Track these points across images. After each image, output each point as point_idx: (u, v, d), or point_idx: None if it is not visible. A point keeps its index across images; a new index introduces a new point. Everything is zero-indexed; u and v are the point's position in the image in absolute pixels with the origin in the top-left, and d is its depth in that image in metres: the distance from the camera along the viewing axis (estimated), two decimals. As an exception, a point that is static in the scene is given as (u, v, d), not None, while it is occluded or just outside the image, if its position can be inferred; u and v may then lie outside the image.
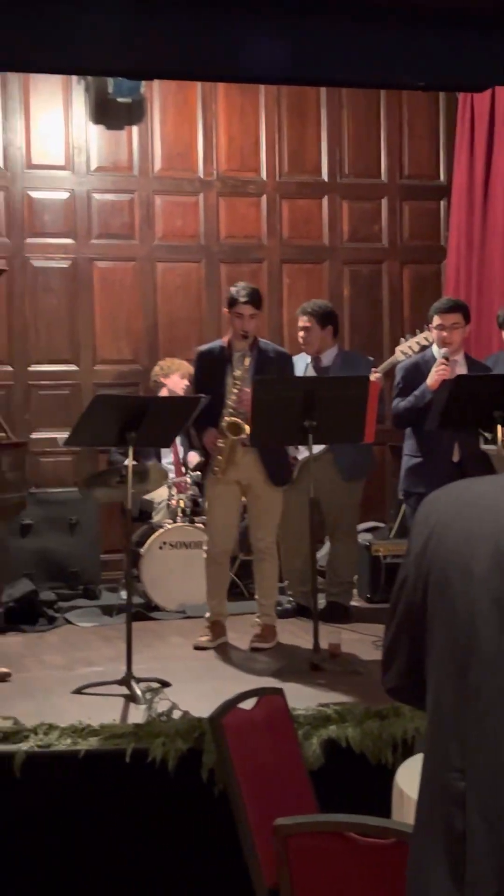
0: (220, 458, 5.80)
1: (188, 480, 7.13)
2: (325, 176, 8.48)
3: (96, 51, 5.14)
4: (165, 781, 4.16)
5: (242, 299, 5.82)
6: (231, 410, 5.69)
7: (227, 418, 5.71)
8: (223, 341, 6.01)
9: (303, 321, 6.49)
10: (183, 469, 7.24)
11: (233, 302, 5.87)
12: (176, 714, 4.43)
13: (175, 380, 7.32)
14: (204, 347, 6.16)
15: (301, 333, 6.50)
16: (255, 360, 5.85)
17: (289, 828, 2.45)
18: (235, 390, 5.69)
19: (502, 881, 1.79)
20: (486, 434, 5.63)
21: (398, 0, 5.27)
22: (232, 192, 8.33)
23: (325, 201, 8.49)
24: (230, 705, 3.36)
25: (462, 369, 5.85)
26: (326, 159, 8.47)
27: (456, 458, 5.80)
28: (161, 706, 4.51)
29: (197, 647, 5.88)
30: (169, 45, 5.21)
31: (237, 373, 5.73)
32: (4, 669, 5.29)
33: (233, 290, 5.93)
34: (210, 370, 5.95)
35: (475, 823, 1.84)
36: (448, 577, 1.93)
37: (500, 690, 1.83)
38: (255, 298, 5.86)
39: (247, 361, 5.79)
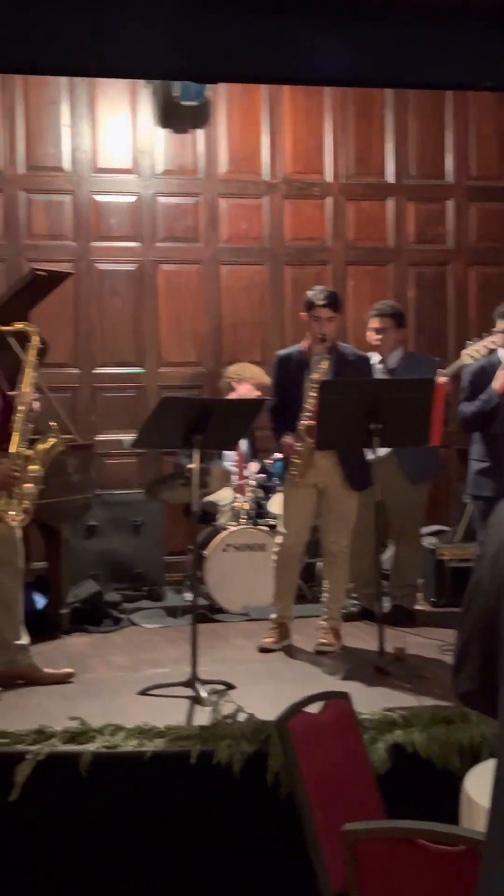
0: (297, 461, 5.79)
1: (251, 483, 7.15)
2: (390, 177, 8.46)
3: (163, 55, 5.17)
4: (231, 784, 4.17)
5: (320, 302, 5.80)
6: (308, 414, 5.66)
7: (304, 422, 5.69)
8: (302, 345, 5.99)
9: (379, 322, 6.47)
10: (245, 473, 7.25)
11: (310, 305, 5.85)
12: (241, 717, 4.44)
13: (247, 387, 7.34)
14: (283, 352, 6.15)
15: (377, 336, 6.48)
16: (334, 364, 5.83)
17: (358, 833, 2.45)
18: (312, 394, 5.66)
19: None
20: None
21: (464, 1, 5.24)
22: (297, 195, 8.34)
23: (390, 203, 8.47)
24: (297, 708, 3.36)
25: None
26: (392, 161, 8.45)
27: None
28: (226, 708, 4.52)
29: (262, 649, 5.88)
30: (235, 49, 5.22)
31: (315, 376, 5.71)
32: (68, 670, 5.33)
33: (310, 293, 5.91)
34: (288, 374, 5.94)
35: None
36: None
37: None
38: (332, 302, 5.84)
39: (324, 365, 5.77)
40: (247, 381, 7.41)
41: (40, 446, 5.13)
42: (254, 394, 7.21)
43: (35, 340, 5.22)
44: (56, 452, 5.22)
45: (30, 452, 5.09)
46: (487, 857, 1.97)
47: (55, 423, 5.36)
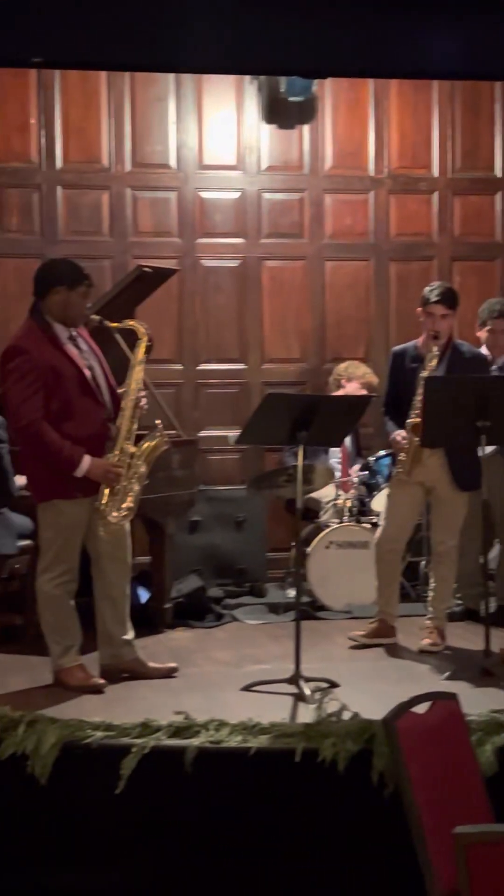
0: (404, 458, 5.76)
1: (354, 480, 7.12)
2: (498, 171, 8.36)
3: (270, 51, 5.17)
4: (335, 781, 4.15)
5: (434, 299, 5.76)
6: (416, 411, 5.62)
7: (412, 419, 5.66)
8: (417, 341, 5.96)
9: (496, 324, 6.38)
10: (349, 471, 7.24)
11: (425, 301, 5.81)
12: (346, 715, 4.42)
13: (355, 386, 7.34)
14: (398, 348, 6.12)
15: (492, 337, 6.39)
16: (448, 361, 5.79)
17: (470, 836, 2.43)
18: (421, 391, 5.61)
19: None
20: None
21: None
22: (403, 190, 8.28)
23: (498, 197, 8.37)
24: (404, 708, 3.35)
25: None
26: (500, 154, 8.34)
27: None
28: (330, 706, 4.50)
29: (351, 639, 5.90)
30: (342, 44, 5.21)
31: (425, 373, 5.67)
32: (172, 664, 5.36)
33: (426, 290, 5.88)
34: (402, 370, 5.91)
35: None
36: None
37: None
38: (447, 298, 5.79)
39: (434, 362, 5.73)
40: (356, 380, 7.39)
41: (146, 444, 5.17)
42: (361, 392, 7.18)
43: (144, 339, 5.26)
44: (160, 452, 5.25)
45: (135, 450, 5.13)
46: None
47: (160, 422, 5.39)
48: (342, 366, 7.58)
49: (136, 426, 5.17)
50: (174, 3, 4.86)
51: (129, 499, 5.10)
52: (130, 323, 5.39)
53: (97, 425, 5.10)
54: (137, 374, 5.20)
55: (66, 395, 5.03)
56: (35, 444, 5.02)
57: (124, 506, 5.09)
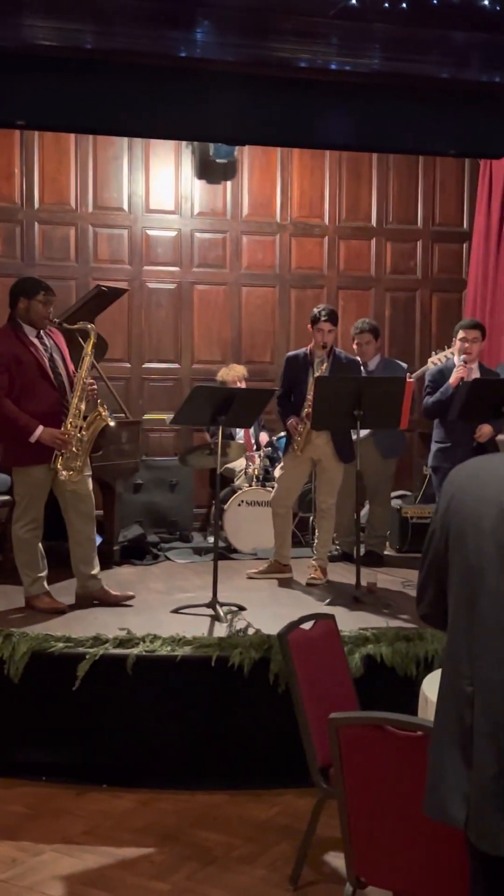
0: (299, 439, 5.78)
1: (261, 454, 7.13)
2: (373, 222, 8.39)
3: (203, 123, 5.15)
4: (241, 682, 4.18)
5: (323, 318, 5.76)
6: (309, 403, 5.63)
7: (307, 409, 5.67)
8: (307, 349, 5.93)
9: (362, 338, 6.42)
10: (254, 445, 7.24)
11: (315, 319, 5.80)
12: (250, 631, 4.45)
13: (241, 385, 7.27)
14: (291, 353, 6.09)
15: (359, 349, 6.42)
16: (331, 365, 5.81)
17: (340, 721, 2.45)
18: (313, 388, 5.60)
19: (501, 762, 1.81)
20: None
21: (436, 85, 5.20)
22: (301, 234, 8.27)
23: (373, 242, 8.41)
24: (294, 625, 3.38)
25: (477, 374, 5.77)
26: (375, 209, 8.38)
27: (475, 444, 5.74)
28: (239, 624, 4.53)
29: (249, 577, 5.90)
30: (257, 119, 5.19)
31: (317, 374, 5.68)
32: (130, 593, 5.28)
33: (315, 310, 5.85)
34: (295, 371, 5.89)
35: (481, 719, 1.86)
36: (464, 530, 1.95)
37: (501, 617, 1.84)
38: (333, 317, 5.79)
39: (324, 366, 5.75)
40: (236, 382, 7.27)
41: (90, 420, 5.07)
42: (241, 385, 7.14)
43: (92, 337, 5.17)
44: (101, 426, 5.13)
45: (82, 424, 5.04)
46: (434, 739, 2.00)
47: (106, 405, 5.29)
48: (223, 371, 7.47)
49: (84, 405, 5.03)
50: (134, 82, 4.81)
51: (78, 461, 5.02)
52: (81, 324, 5.28)
53: (52, 403, 4.98)
54: (86, 363, 5.09)
55: (26, 379, 4.93)
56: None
57: (74, 465, 4.99)
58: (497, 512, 1.89)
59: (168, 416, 6.94)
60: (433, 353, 6.15)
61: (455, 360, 5.83)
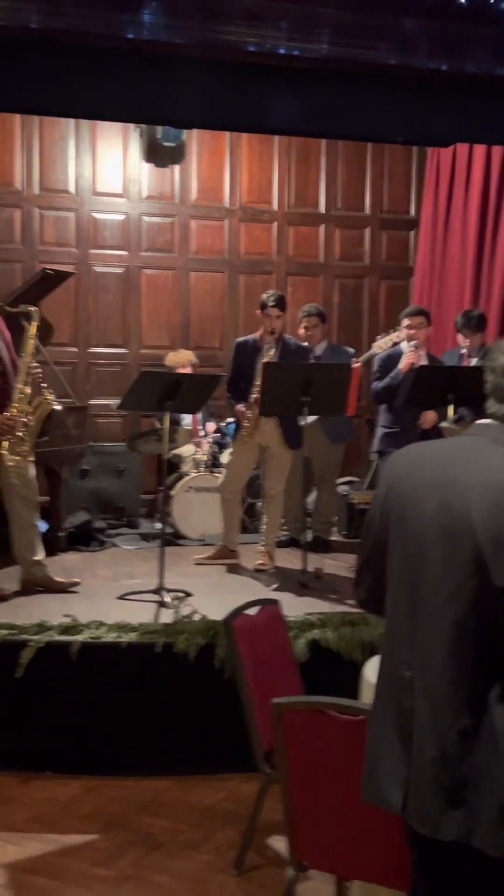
0: (248, 425, 5.77)
1: (209, 441, 7.12)
2: (322, 209, 8.40)
3: (151, 105, 5.09)
4: (187, 668, 4.18)
5: (272, 304, 5.74)
6: (258, 388, 5.62)
7: (255, 395, 5.66)
8: (256, 335, 5.91)
9: (310, 322, 6.42)
10: (202, 433, 7.22)
11: (263, 305, 5.78)
12: (196, 617, 4.44)
13: (187, 370, 7.25)
14: (240, 339, 6.07)
15: (306, 332, 6.43)
16: (280, 351, 5.80)
17: (283, 705, 2.46)
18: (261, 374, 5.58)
19: (439, 746, 1.81)
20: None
21: (384, 71, 5.20)
22: (250, 219, 8.26)
23: (321, 228, 8.42)
24: (239, 611, 3.37)
25: (424, 362, 5.81)
26: (324, 196, 8.39)
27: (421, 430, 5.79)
28: (185, 610, 4.52)
29: (196, 563, 5.89)
30: (205, 103, 5.16)
31: (266, 360, 5.67)
32: (75, 579, 5.25)
33: (264, 296, 5.83)
34: (244, 357, 5.87)
35: (420, 703, 1.86)
36: (405, 516, 1.94)
37: (443, 601, 1.84)
38: (281, 303, 5.77)
39: (272, 352, 5.73)
40: (183, 367, 7.26)
41: (35, 404, 5.01)
42: (189, 370, 7.13)
43: (35, 320, 5.11)
44: (47, 410, 5.07)
45: (28, 408, 4.98)
46: (372, 724, 2.00)
47: (50, 388, 5.24)
48: (171, 355, 7.44)
49: (29, 389, 4.98)
50: (81, 63, 4.74)
51: (25, 446, 4.95)
52: (23, 308, 5.21)
53: None
54: (29, 346, 5.02)
55: None
56: None
57: (20, 450, 4.93)
58: (438, 496, 1.88)
59: (115, 402, 6.89)
60: (378, 337, 6.18)
61: (404, 346, 5.87)
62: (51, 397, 5.06)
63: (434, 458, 1.95)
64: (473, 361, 5.98)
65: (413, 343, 5.78)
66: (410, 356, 5.70)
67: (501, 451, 1.89)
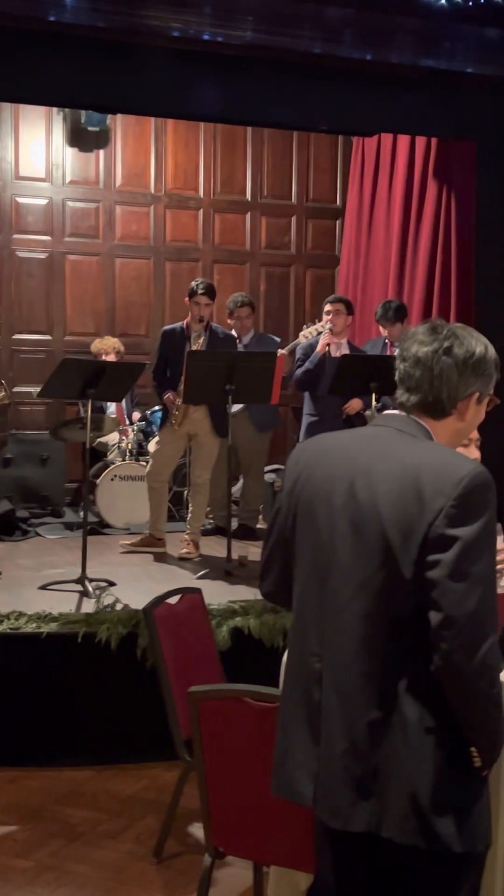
0: (176, 413, 5.74)
1: (134, 429, 7.08)
2: (248, 196, 8.39)
3: (75, 89, 5.03)
4: (109, 658, 4.15)
5: (200, 291, 5.71)
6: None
7: (182, 383, 5.61)
8: (183, 323, 5.87)
9: (242, 311, 6.38)
10: (127, 421, 7.18)
11: (192, 293, 5.75)
12: (118, 606, 4.42)
13: (111, 357, 7.21)
14: (168, 327, 6.03)
15: (236, 322, 6.41)
16: (208, 339, 5.78)
17: (199, 694, 2.46)
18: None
19: (347, 739, 1.82)
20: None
21: (309, 60, 5.21)
22: (176, 206, 8.21)
23: (247, 216, 8.41)
24: (160, 600, 3.37)
25: (345, 350, 5.87)
26: (250, 183, 8.38)
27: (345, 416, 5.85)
28: (107, 600, 4.49)
29: (122, 547, 5.88)
30: (130, 88, 5.11)
31: (193, 348, 5.64)
32: None
33: (193, 283, 5.80)
34: (172, 345, 5.82)
35: (329, 696, 1.86)
36: (314, 507, 1.93)
37: (352, 593, 1.84)
38: (210, 291, 5.75)
39: (201, 340, 5.72)
40: (108, 354, 7.22)
41: None
42: (113, 358, 7.08)
43: None
44: (4, 402, 4.98)
45: None
46: (281, 717, 2.01)
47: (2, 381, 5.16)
48: (96, 342, 7.39)
49: None
50: (2, 46, 4.66)
51: None
52: None
53: None
54: None
55: None
56: None
57: None
58: (347, 487, 1.87)
59: (37, 390, 6.79)
60: (304, 326, 6.21)
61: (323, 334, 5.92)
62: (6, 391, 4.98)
63: (341, 449, 1.94)
64: (397, 351, 6.04)
65: (329, 326, 5.84)
66: (326, 337, 5.78)
67: (408, 441, 1.89)
